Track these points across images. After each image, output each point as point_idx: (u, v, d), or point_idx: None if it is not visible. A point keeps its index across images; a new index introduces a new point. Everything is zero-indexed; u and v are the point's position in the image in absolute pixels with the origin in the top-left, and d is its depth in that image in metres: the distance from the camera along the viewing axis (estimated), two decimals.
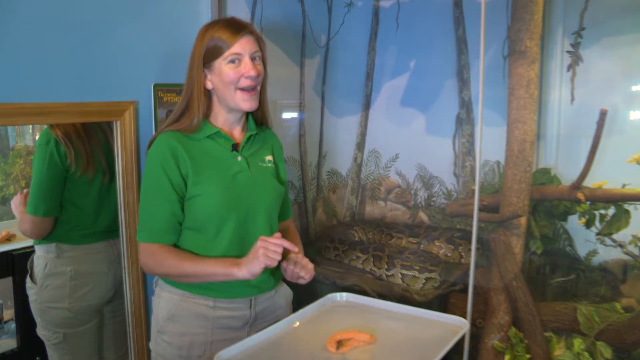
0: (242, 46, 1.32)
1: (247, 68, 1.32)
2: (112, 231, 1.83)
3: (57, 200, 1.78)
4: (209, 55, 1.34)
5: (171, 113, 1.45)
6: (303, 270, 1.35)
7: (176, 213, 1.34)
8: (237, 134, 1.44)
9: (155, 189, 1.34)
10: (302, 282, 1.36)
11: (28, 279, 1.83)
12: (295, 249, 1.25)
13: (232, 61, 1.33)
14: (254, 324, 1.42)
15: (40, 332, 1.83)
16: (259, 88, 1.38)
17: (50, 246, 1.81)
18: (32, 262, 1.84)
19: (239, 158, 1.40)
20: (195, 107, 1.36)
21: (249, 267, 1.23)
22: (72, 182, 1.80)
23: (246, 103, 1.35)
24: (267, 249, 1.21)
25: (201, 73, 1.36)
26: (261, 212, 1.41)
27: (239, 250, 1.37)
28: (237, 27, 1.33)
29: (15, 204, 1.88)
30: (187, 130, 1.36)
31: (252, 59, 1.34)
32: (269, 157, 1.49)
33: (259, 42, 1.38)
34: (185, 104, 1.39)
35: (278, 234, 1.26)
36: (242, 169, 1.40)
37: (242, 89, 1.34)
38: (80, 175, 1.80)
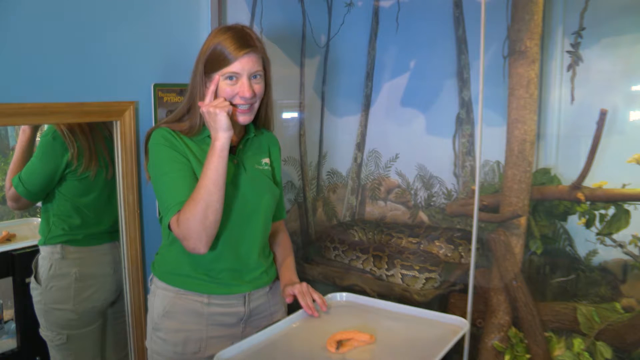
0: (242, 65, 1.31)
1: (243, 89, 1.31)
2: (116, 232, 1.83)
3: (41, 189, 1.79)
4: (210, 64, 1.33)
5: (171, 113, 1.45)
6: (315, 294, 1.40)
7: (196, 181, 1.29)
8: (235, 135, 1.44)
9: (171, 165, 1.31)
10: (323, 309, 1.40)
11: (33, 280, 1.83)
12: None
13: (230, 77, 1.32)
14: (249, 321, 1.43)
15: (44, 332, 1.83)
16: (256, 104, 1.37)
17: (55, 247, 1.81)
18: (36, 262, 1.84)
19: (235, 161, 1.40)
20: (197, 114, 1.36)
21: (216, 131, 1.25)
22: (73, 179, 1.80)
23: (239, 117, 1.35)
24: (214, 106, 1.26)
25: (202, 79, 1.35)
26: (256, 214, 1.41)
27: (234, 251, 1.38)
28: (242, 43, 1.31)
29: None
30: (187, 133, 1.37)
31: (253, 77, 1.33)
32: (266, 160, 1.50)
33: (264, 58, 1.36)
34: (187, 108, 1.39)
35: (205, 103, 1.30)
36: (238, 171, 1.40)
37: (235, 106, 1.34)
38: (83, 172, 1.80)
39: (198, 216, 1.21)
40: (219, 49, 1.31)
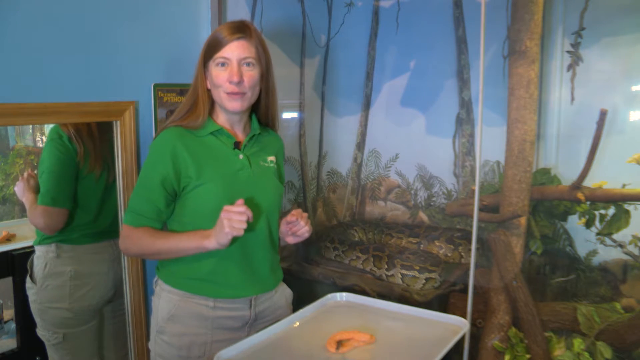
0: (232, 50, 1.33)
1: (232, 74, 1.32)
2: (112, 231, 1.83)
3: (69, 192, 1.78)
4: (207, 52, 1.36)
5: (171, 113, 1.46)
6: (302, 220, 1.39)
7: (158, 207, 1.35)
8: (240, 132, 1.44)
9: (145, 180, 1.36)
10: (305, 234, 1.40)
11: (28, 279, 1.83)
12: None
13: (222, 64, 1.34)
14: (254, 324, 1.42)
15: (40, 332, 1.83)
16: (249, 92, 1.37)
17: (50, 246, 1.81)
18: (32, 262, 1.84)
19: (241, 156, 1.40)
20: (201, 107, 1.37)
21: (217, 238, 1.24)
22: (79, 179, 1.80)
23: (231, 103, 1.35)
24: (231, 219, 1.21)
25: (202, 69, 1.38)
26: (261, 210, 1.41)
27: (238, 248, 1.37)
28: (234, 30, 1.34)
29: (20, 189, 1.87)
30: (192, 127, 1.37)
31: (245, 64, 1.34)
32: (272, 158, 1.49)
33: (258, 47, 1.36)
34: (192, 102, 1.40)
35: (241, 200, 1.24)
36: (244, 167, 1.40)
37: (227, 92, 1.35)
38: (88, 173, 1.80)
39: (134, 251, 1.41)
40: (215, 36, 1.35)
